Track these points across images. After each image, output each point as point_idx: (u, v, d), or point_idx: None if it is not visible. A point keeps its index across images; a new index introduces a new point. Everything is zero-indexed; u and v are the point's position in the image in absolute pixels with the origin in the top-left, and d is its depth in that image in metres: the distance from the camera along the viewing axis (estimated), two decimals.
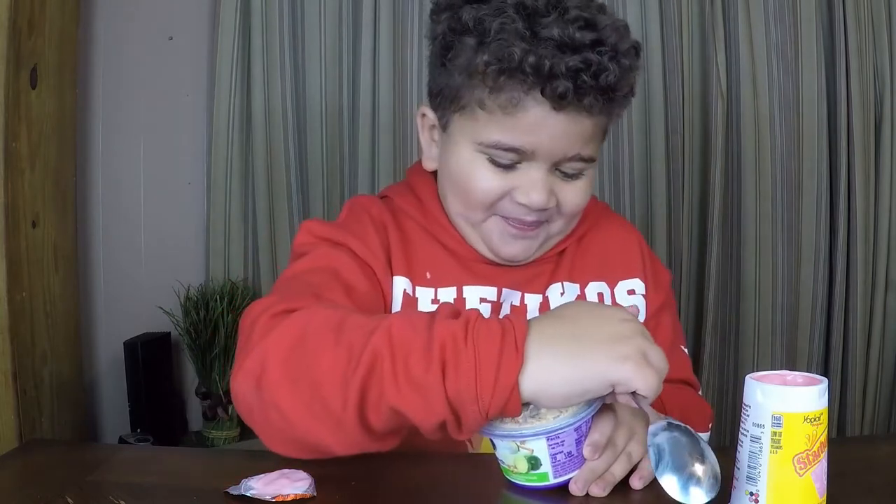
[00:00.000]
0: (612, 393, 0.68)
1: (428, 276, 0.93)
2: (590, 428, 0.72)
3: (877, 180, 1.95)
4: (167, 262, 2.03)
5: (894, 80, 1.92)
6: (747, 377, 0.66)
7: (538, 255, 0.95)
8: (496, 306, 0.93)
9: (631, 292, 0.99)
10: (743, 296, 1.98)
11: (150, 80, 2.02)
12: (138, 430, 1.91)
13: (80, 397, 1.90)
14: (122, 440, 1.87)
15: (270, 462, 0.76)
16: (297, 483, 0.72)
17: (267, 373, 0.70)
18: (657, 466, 0.65)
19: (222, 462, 0.87)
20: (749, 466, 0.64)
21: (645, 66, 1.90)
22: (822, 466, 0.64)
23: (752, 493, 0.64)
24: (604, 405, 0.72)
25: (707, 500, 0.64)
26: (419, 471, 0.79)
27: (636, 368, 0.65)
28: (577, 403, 0.69)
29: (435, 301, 0.92)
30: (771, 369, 0.69)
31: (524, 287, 0.95)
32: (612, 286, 0.98)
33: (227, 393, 1.85)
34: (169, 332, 1.99)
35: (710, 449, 0.67)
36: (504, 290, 0.94)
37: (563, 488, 0.72)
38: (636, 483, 0.73)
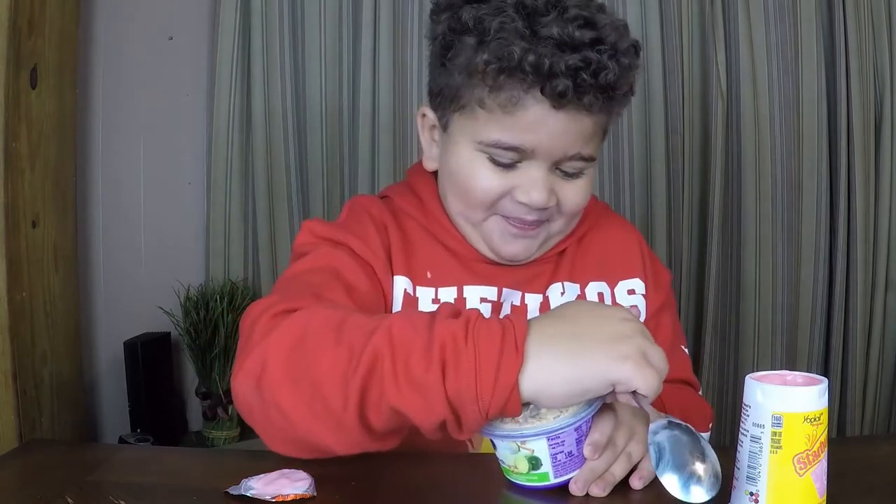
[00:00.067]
0: (613, 392, 0.68)
1: (428, 275, 0.93)
2: (590, 428, 0.72)
3: (877, 180, 1.95)
4: (167, 262, 2.03)
5: (894, 80, 1.92)
6: (747, 377, 0.66)
7: (539, 254, 0.95)
8: (496, 306, 0.93)
9: (631, 292, 0.99)
10: (743, 296, 1.98)
11: (150, 80, 2.02)
12: (138, 430, 1.91)
13: (80, 397, 1.90)
14: (122, 440, 1.87)
15: (270, 462, 0.76)
16: (297, 483, 0.72)
17: (267, 372, 0.70)
18: (658, 465, 0.65)
19: (222, 462, 0.87)
20: (749, 466, 0.64)
21: (645, 66, 1.90)
22: (822, 466, 0.64)
23: (752, 493, 0.64)
24: (604, 405, 0.72)
25: (708, 498, 0.63)
26: (419, 471, 0.79)
27: (636, 368, 0.65)
28: (578, 403, 0.69)
29: (435, 301, 0.92)
30: (771, 369, 0.68)
31: (524, 287, 0.95)
32: (612, 286, 0.98)
33: (227, 393, 1.85)
34: (169, 332, 1.99)
35: (710, 448, 0.67)
36: (504, 289, 0.94)
37: (563, 488, 0.72)
38: (636, 483, 0.73)
